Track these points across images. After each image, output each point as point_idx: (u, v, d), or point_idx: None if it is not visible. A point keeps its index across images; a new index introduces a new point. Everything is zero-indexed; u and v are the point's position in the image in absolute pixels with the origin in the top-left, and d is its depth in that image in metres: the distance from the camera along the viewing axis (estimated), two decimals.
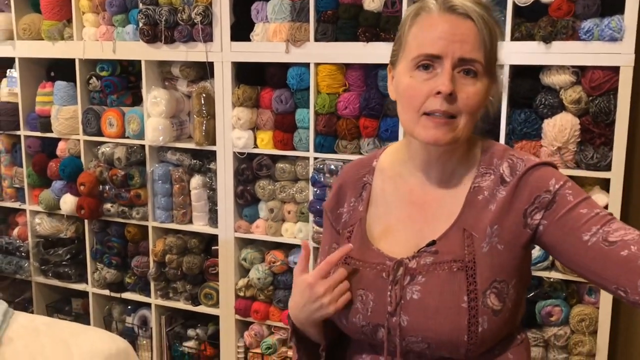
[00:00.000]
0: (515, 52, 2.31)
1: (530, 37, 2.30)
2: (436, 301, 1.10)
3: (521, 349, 1.18)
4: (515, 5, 2.30)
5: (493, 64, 1.12)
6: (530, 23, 2.31)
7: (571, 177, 2.31)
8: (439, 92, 1.07)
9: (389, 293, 1.13)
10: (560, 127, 2.30)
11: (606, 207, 2.28)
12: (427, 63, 1.09)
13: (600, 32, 2.19)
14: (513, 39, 2.32)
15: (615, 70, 2.20)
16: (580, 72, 2.28)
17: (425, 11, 1.11)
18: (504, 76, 2.33)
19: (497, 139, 2.39)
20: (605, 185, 2.32)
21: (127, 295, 3.27)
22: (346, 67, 2.64)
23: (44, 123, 3.26)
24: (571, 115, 2.31)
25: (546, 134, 2.33)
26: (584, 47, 2.22)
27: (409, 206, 1.20)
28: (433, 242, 1.14)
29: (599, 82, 2.24)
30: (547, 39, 2.26)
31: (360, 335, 1.18)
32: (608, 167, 2.27)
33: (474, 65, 1.08)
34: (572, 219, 1.08)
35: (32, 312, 3.49)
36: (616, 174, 2.25)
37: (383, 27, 2.49)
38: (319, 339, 1.23)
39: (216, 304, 3.03)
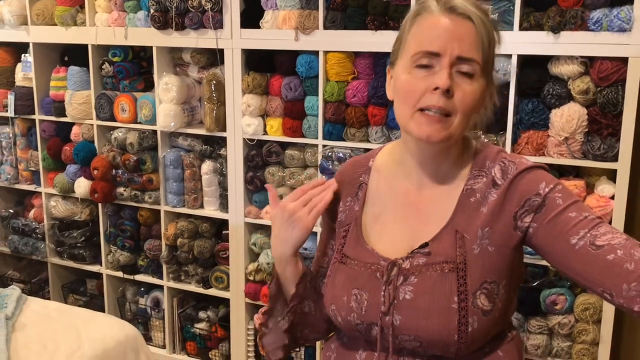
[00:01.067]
0: (523, 42, 2.30)
1: (538, 26, 2.28)
2: (428, 302, 1.12)
3: (511, 347, 1.21)
4: None
5: (490, 67, 1.13)
6: (539, 13, 2.29)
7: (578, 167, 2.33)
8: (436, 88, 1.08)
9: (382, 293, 1.15)
10: (567, 118, 2.30)
11: (612, 197, 2.29)
12: (426, 61, 1.10)
13: (609, 23, 2.17)
14: (522, 28, 2.31)
15: (624, 61, 2.19)
16: (588, 62, 2.27)
17: (426, 11, 1.12)
18: (512, 66, 2.33)
19: (505, 129, 2.39)
20: (612, 175, 2.32)
21: (140, 277, 3.34)
22: (355, 55, 2.64)
23: (58, 107, 3.31)
24: (579, 106, 2.30)
25: (553, 124, 2.33)
26: (593, 38, 2.21)
27: (404, 207, 1.22)
28: (426, 244, 1.16)
29: (607, 73, 2.23)
30: (555, 29, 2.25)
31: (355, 332, 1.21)
32: (615, 158, 2.27)
33: (471, 64, 1.09)
34: (560, 222, 1.09)
35: (48, 292, 3.58)
36: (623, 165, 2.25)
37: (392, 15, 2.49)
38: (294, 277, 1.26)
39: (227, 287, 3.09)
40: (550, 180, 1.13)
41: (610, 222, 2.29)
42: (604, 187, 2.33)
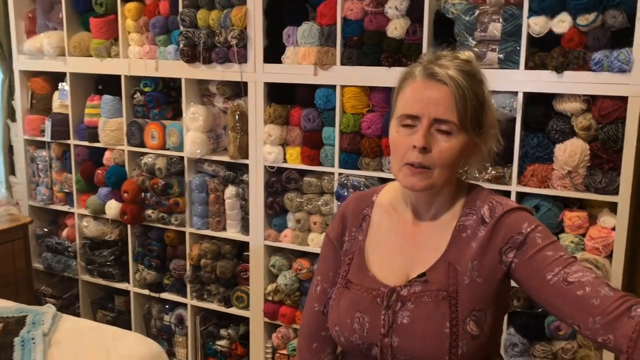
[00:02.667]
0: (529, 80, 2.43)
1: (543, 66, 2.41)
2: (423, 326, 1.26)
3: None
4: (529, 36, 2.42)
5: (471, 121, 1.26)
6: (543, 53, 2.42)
7: (581, 199, 2.44)
8: (415, 146, 1.23)
9: (382, 317, 1.29)
10: (570, 152, 2.41)
11: (613, 229, 2.39)
12: (409, 122, 1.25)
13: (610, 64, 2.29)
14: (527, 67, 2.44)
15: (624, 100, 2.30)
16: (590, 100, 2.39)
17: (411, 77, 1.28)
18: (518, 102, 2.46)
19: (511, 162, 2.52)
20: (614, 208, 2.42)
21: (165, 295, 3.50)
22: (370, 90, 2.79)
23: (92, 133, 3.51)
24: (581, 141, 2.42)
25: (557, 158, 2.45)
26: (594, 77, 2.33)
27: (402, 238, 1.37)
28: (423, 274, 1.30)
29: (608, 111, 2.34)
30: (559, 69, 2.37)
31: (357, 352, 1.35)
32: (616, 191, 2.37)
33: (447, 124, 1.24)
34: (538, 259, 1.22)
35: (78, 308, 3.76)
36: (623, 198, 2.35)
37: (405, 53, 2.64)
38: None
39: (247, 307, 3.23)
40: (532, 222, 1.27)
41: (611, 253, 2.40)
42: (605, 219, 2.43)
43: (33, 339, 1.85)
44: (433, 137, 1.24)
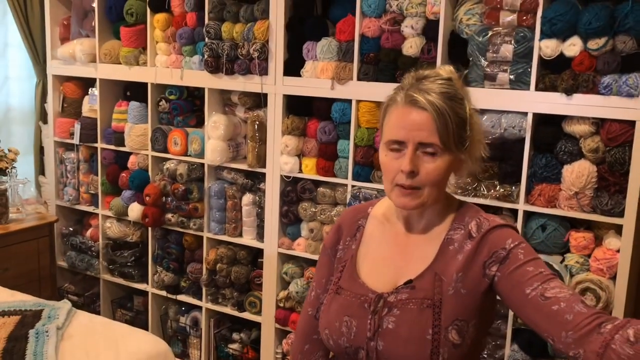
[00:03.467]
0: (538, 102, 2.48)
1: (553, 88, 2.46)
2: (407, 331, 1.33)
3: None
4: (540, 58, 2.46)
5: (454, 141, 1.32)
6: (554, 75, 2.47)
7: (587, 221, 2.47)
8: (403, 170, 1.31)
9: (369, 321, 1.36)
10: (578, 174, 2.45)
11: (618, 251, 2.41)
12: (396, 147, 1.33)
13: (619, 88, 2.33)
14: (537, 89, 2.48)
15: (632, 124, 2.33)
16: (599, 123, 2.42)
17: (394, 103, 1.35)
18: (528, 123, 2.50)
19: (519, 181, 2.56)
20: (619, 230, 2.44)
21: (181, 297, 3.61)
22: None
23: (118, 138, 3.64)
24: (589, 163, 2.45)
25: (565, 178, 2.49)
26: (603, 101, 2.37)
27: (394, 248, 1.44)
28: (410, 282, 1.37)
29: (615, 134, 2.38)
30: (568, 91, 2.42)
31: (344, 354, 1.42)
32: (621, 214, 2.40)
33: (431, 147, 1.31)
34: (519, 274, 1.28)
35: (98, 306, 3.89)
36: (628, 221, 2.38)
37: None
38: None
39: (259, 312, 3.32)
40: (515, 238, 1.33)
41: (614, 275, 2.42)
42: (611, 241, 2.46)
43: (47, 331, 1.96)
44: (419, 159, 1.31)
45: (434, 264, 1.37)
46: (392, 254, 1.43)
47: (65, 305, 2.19)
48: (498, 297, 1.36)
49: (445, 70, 1.37)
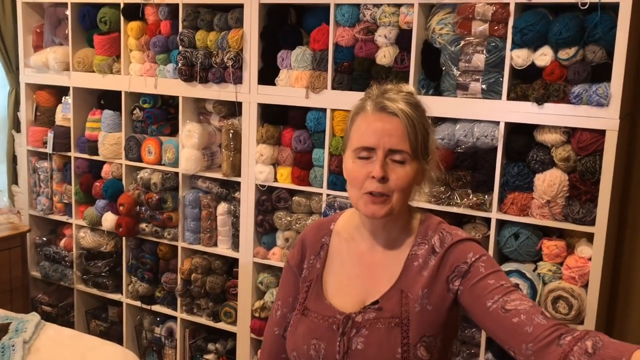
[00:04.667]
0: (510, 111, 2.49)
1: (525, 97, 2.47)
2: (376, 352, 1.31)
3: None
4: (512, 68, 2.48)
5: (421, 149, 1.33)
6: (525, 84, 2.48)
7: (560, 229, 2.49)
8: (373, 177, 1.30)
9: (337, 343, 1.35)
10: (549, 182, 2.46)
11: (590, 259, 2.43)
12: (365, 154, 1.32)
13: (589, 97, 2.35)
14: (509, 98, 2.50)
15: (602, 133, 2.36)
16: (570, 132, 2.44)
17: (363, 111, 1.35)
18: (500, 132, 2.51)
19: (492, 189, 2.57)
20: (591, 238, 2.45)
21: (156, 307, 3.57)
22: None
23: (92, 147, 3.60)
24: (560, 172, 2.47)
25: (537, 187, 2.50)
26: (574, 110, 2.39)
27: (359, 267, 1.43)
28: (376, 302, 1.36)
29: (586, 143, 2.39)
30: (539, 101, 2.43)
31: None
32: (593, 222, 2.41)
33: (401, 154, 1.31)
34: (480, 287, 1.28)
35: (72, 317, 3.84)
36: (599, 229, 2.39)
37: (393, 80, 2.71)
38: None
39: (234, 322, 3.29)
40: (477, 251, 1.33)
41: (587, 283, 2.44)
42: (582, 249, 2.47)
43: (13, 345, 1.92)
44: (388, 166, 1.31)
45: (399, 282, 1.36)
46: (357, 273, 1.42)
47: (33, 318, 2.15)
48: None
49: (406, 86, 1.39)
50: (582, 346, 1.11)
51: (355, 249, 1.44)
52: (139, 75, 3.40)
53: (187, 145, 3.25)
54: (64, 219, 3.86)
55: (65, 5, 3.58)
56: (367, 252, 1.43)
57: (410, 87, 1.40)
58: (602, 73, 2.36)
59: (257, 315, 3.20)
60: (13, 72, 3.95)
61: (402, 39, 2.69)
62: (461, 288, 1.31)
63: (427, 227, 1.40)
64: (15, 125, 4.04)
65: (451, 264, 1.33)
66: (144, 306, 3.59)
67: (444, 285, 1.33)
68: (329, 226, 1.51)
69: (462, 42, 2.54)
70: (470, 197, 2.61)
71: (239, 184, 3.19)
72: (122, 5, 3.38)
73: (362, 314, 1.35)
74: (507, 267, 2.52)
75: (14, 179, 4.14)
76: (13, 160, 4.11)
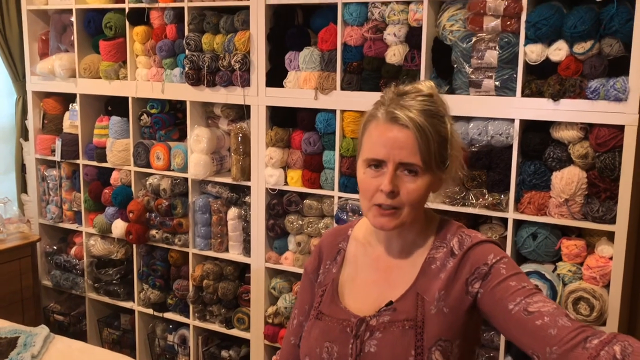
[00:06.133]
0: (525, 108, 2.43)
1: (540, 93, 2.41)
2: (389, 354, 1.27)
3: None
4: (526, 64, 2.41)
5: (435, 161, 1.27)
6: (540, 80, 2.42)
7: (579, 228, 2.42)
8: (382, 190, 1.25)
9: (350, 346, 1.30)
10: (567, 180, 2.40)
11: (611, 258, 2.36)
12: (376, 165, 1.27)
13: (606, 92, 2.28)
14: (524, 95, 2.43)
15: (621, 128, 2.29)
16: (588, 128, 2.37)
17: (375, 119, 1.29)
18: (515, 129, 2.45)
19: (508, 189, 2.51)
20: (612, 237, 2.39)
21: (168, 315, 3.53)
22: None
23: (100, 154, 3.57)
24: (578, 169, 2.40)
25: (554, 185, 2.43)
26: (591, 106, 2.32)
27: (374, 271, 1.38)
28: (391, 303, 1.31)
29: (604, 139, 2.32)
30: (555, 97, 2.37)
31: None
32: (613, 220, 2.34)
33: (412, 167, 1.25)
34: (502, 290, 1.22)
35: (85, 325, 3.81)
36: (620, 228, 2.32)
37: (403, 79, 2.65)
38: None
39: (247, 328, 3.24)
40: (497, 253, 1.28)
41: (608, 284, 2.37)
42: (603, 248, 2.40)
43: None
44: (399, 179, 1.26)
45: (415, 284, 1.31)
46: (373, 277, 1.38)
47: (42, 331, 2.11)
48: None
49: (425, 85, 1.31)
50: (609, 351, 1.06)
51: (371, 254, 1.40)
52: (145, 80, 3.36)
53: (196, 150, 3.21)
54: (73, 227, 3.83)
55: (70, 11, 3.55)
56: (383, 256, 1.38)
57: (429, 85, 1.31)
58: (619, 67, 2.29)
59: (270, 321, 3.15)
60: (20, 80, 3.93)
61: (412, 36, 2.63)
62: (481, 291, 1.25)
63: (446, 231, 1.35)
64: (23, 133, 4.01)
65: (471, 265, 1.28)
66: (156, 314, 3.55)
67: (462, 287, 1.27)
68: (346, 232, 1.47)
69: (474, 39, 2.47)
70: (486, 197, 2.54)
71: (249, 188, 3.14)
72: (127, 10, 3.35)
73: (376, 317, 1.31)
74: (526, 268, 2.46)
75: (23, 187, 4.12)
76: (22, 168, 4.09)
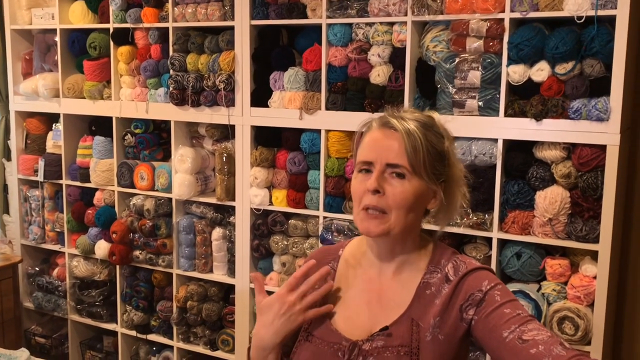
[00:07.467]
0: (508, 128, 2.44)
1: (522, 113, 2.42)
2: None
3: None
4: (509, 84, 2.43)
5: (425, 168, 1.26)
6: (523, 101, 2.44)
7: (562, 247, 2.42)
8: (369, 190, 1.26)
9: None
10: (551, 200, 2.41)
11: (595, 277, 2.37)
12: (365, 168, 1.28)
13: (588, 112, 2.30)
14: (507, 115, 2.45)
15: (603, 148, 2.30)
16: (570, 148, 2.39)
17: (369, 129, 1.32)
18: (498, 149, 2.46)
19: (492, 208, 2.51)
20: (596, 256, 2.39)
21: (152, 337, 3.48)
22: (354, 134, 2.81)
23: (83, 174, 3.54)
24: (562, 189, 2.41)
25: (538, 205, 2.44)
26: (573, 126, 2.34)
27: (367, 293, 1.37)
28: (386, 328, 1.29)
29: (587, 159, 2.34)
30: (538, 117, 2.38)
31: None
32: (596, 240, 2.35)
33: (399, 168, 1.26)
34: (496, 317, 1.22)
35: (67, 348, 3.75)
36: (604, 247, 2.33)
37: (387, 99, 2.66)
38: None
39: (232, 350, 3.21)
40: (492, 280, 1.27)
41: (592, 303, 2.37)
42: (587, 267, 2.41)
43: None
44: (387, 181, 1.26)
45: (410, 310, 1.30)
46: (365, 299, 1.36)
47: (23, 354, 2.07)
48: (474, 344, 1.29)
49: (428, 112, 1.36)
50: None
51: (362, 276, 1.39)
52: (129, 100, 3.35)
53: (180, 170, 3.19)
54: (56, 248, 3.79)
55: (54, 31, 3.54)
56: (375, 278, 1.37)
57: (433, 113, 1.36)
58: (600, 87, 2.32)
59: None
60: (2, 100, 3.90)
61: (396, 57, 2.65)
62: (475, 317, 1.25)
63: (440, 256, 1.35)
64: (6, 153, 3.98)
65: (465, 292, 1.27)
66: (140, 336, 3.51)
67: (457, 314, 1.27)
68: (337, 252, 1.46)
69: (457, 59, 2.49)
70: (470, 217, 2.55)
71: (233, 208, 3.13)
72: (111, 30, 3.34)
73: (369, 341, 1.29)
74: (511, 287, 2.45)
75: (5, 208, 4.07)
76: (4, 189, 4.04)
